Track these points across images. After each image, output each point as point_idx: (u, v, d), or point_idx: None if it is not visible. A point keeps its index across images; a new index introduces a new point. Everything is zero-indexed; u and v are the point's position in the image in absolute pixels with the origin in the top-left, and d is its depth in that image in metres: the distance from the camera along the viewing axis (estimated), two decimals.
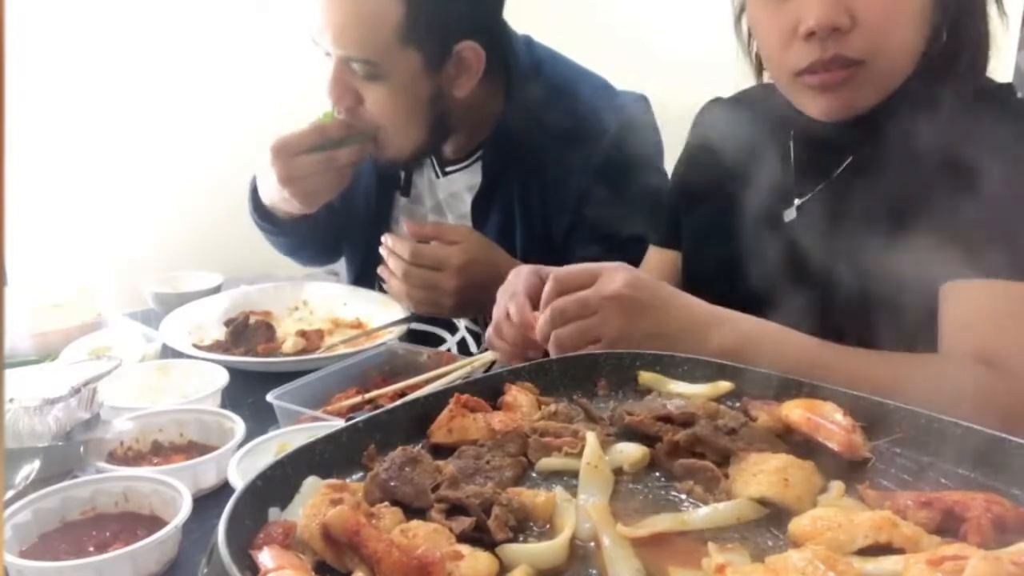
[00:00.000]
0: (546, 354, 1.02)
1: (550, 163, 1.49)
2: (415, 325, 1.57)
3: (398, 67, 1.40)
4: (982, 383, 0.90)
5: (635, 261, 1.36)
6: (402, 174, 1.68)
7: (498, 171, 1.52)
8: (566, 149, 1.47)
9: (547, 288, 1.00)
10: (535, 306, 1.05)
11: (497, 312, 1.11)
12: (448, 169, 1.62)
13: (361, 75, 1.42)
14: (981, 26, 1.02)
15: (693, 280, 1.25)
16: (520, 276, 1.09)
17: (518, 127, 1.49)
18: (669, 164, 1.44)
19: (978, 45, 1.03)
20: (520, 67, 1.51)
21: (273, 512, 0.65)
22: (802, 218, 1.12)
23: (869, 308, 1.02)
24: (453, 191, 1.63)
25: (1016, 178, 0.96)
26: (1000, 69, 1.09)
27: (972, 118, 1.00)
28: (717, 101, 1.35)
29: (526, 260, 1.42)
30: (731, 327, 0.98)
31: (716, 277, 1.19)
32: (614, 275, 0.98)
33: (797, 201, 1.14)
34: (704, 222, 1.26)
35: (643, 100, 1.56)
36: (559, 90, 1.52)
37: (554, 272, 1.01)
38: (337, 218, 1.73)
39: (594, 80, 1.58)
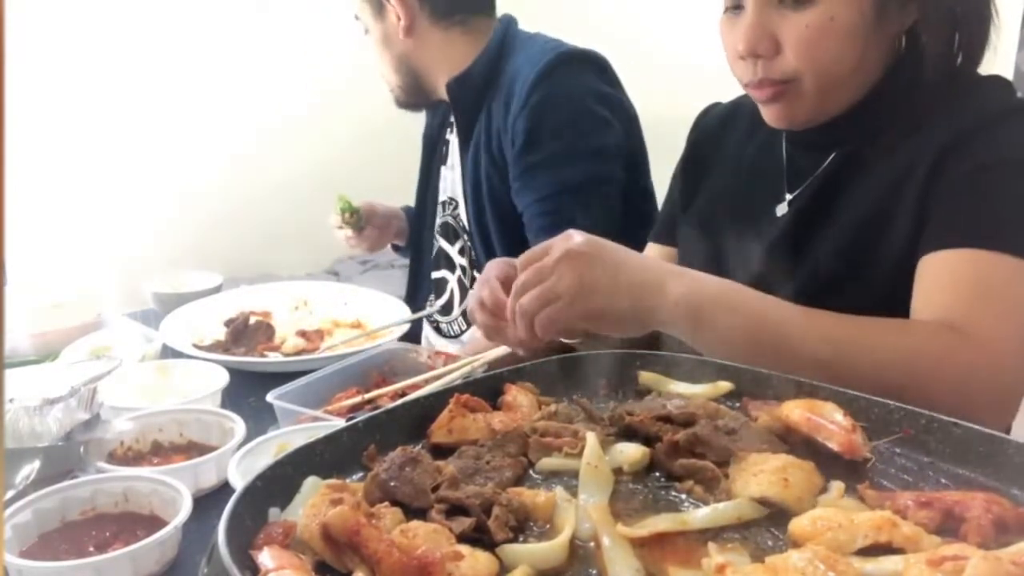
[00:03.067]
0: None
1: (504, 94, 1.66)
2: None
3: (364, 17, 1.73)
4: (945, 346, 0.91)
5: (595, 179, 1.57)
6: (443, 150, 1.87)
7: (468, 107, 1.72)
8: (514, 81, 1.64)
9: (518, 273, 1.02)
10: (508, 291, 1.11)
11: (470, 301, 1.14)
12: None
13: (364, 32, 1.77)
14: (944, 29, 1.03)
15: None
16: (493, 265, 1.14)
17: (488, 68, 1.70)
18: (670, 166, 1.46)
19: (950, 45, 1.04)
20: (493, 30, 1.72)
21: (273, 512, 0.65)
22: (792, 213, 1.15)
23: (858, 297, 1.04)
24: (458, 145, 1.79)
25: (985, 152, 0.98)
26: (1000, 69, 1.09)
27: (943, 107, 1.03)
28: (715, 105, 1.39)
29: (490, 184, 1.68)
30: (690, 279, 0.99)
31: (710, 272, 1.22)
32: (566, 239, 1.00)
33: (788, 196, 1.17)
34: (700, 219, 1.29)
35: (583, 52, 1.68)
36: (517, 38, 1.74)
37: (519, 259, 1.04)
38: None
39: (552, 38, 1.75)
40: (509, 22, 1.75)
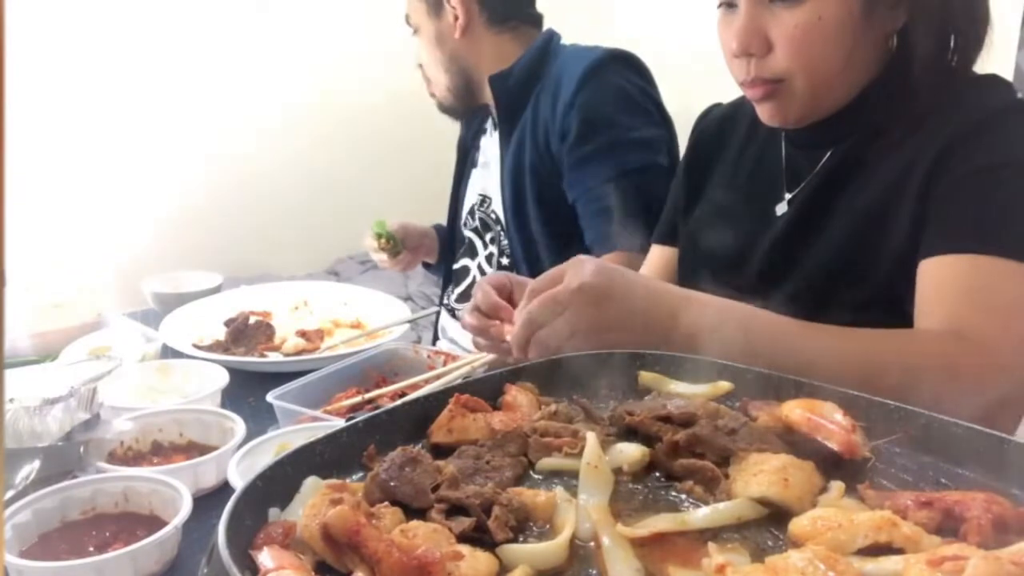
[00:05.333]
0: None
1: (551, 88, 1.74)
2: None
3: (417, 16, 1.81)
4: (951, 355, 0.92)
5: (635, 168, 1.63)
6: (475, 155, 1.97)
7: (511, 100, 1.80)
8: (562, 75, 1.73)
9: (523, 299, 1.02)
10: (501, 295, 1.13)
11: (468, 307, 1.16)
12: (499, 124, 1.89)
13: (412, 33, 1.86)
14: (935, 30, 1.04)
15: (687, 276, 1.29)
16: (487, 276, 1.17)
17: (531, 68, 1.78)
18: None
19: (943, 45, 1.05)
20: (540, 36, 1.83)
21: (273, 512, 0.65)
22: (791, 212, 1.16)
23: (858, 295, 1.05)
24: (495, 143, 1.88)
25: (984, 154, 0.99)
26: (1000, 69, 1.09)
27: (940, 107, 1.03)
28: (715, 107, 1.40)
29: (534, 174, 1.75)
30: (698, 309, 0.99)
31: (710, 272, 1.23)
32: (579, 268, 0.99)
33: (787, 196, 1.17)
34: (701, 220, 1.30)
35: (626, 52, 1.78)
36: (560, 45, 1.84)
37: (529, 284, 1.04)
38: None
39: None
40: (553, 33, 1.85)
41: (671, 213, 1.39)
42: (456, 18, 1.77)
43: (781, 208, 1.17)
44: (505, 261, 1.85)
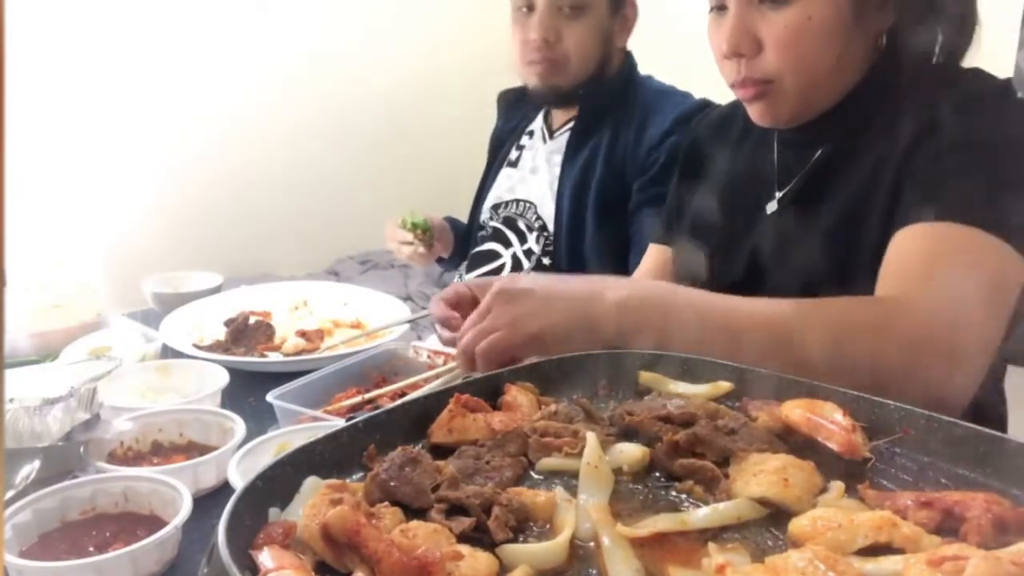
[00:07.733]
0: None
1: (637, 120, 1.79)
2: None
3: (596, 4, 1.78)
4: (880, 318, 0.91)
5: None
6: (513, 153, 1.98)
7: (594, 115, 1.82)
8: (650, 111, 1.79)
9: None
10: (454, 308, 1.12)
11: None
12: (555, 134, 1.93)
13: (567, 15, 1.77)
14: (923, 29, 1.05)
15: (682, 274, 1.30)
16: (448, 287, 1.17)
17: (618, 91, 1.82)
18: None
19: (931, 44, 1.06)
20: (626, 61, 1.88)
21: (273, 512, 0.65)
22: (780, 210, 1.17)
23: (846, 289, 1.04)
24: (550, 152, 1.91)
25: (960, 131, 0.98)
26: (1000, 69, 1.09)
27: (926, 99, 1.04)
28: (712, 107, 1.41)
29: (600, 194, 1.78)
30: (629, 283, 1.00)
31: (703, 270, 1.25)
32: (505, 279, 1.02)
33: (778, 194, 1.18)
34: (696, 220, 1.31)
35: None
36: (637, 71, 1.90)
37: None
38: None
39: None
40: (633, 59, 1.90)
41: (668, 212, 1.40)
42: (627, 19, 1.80)
43: (771, 207, 1.19)
44: (547, 261, 1.87)
